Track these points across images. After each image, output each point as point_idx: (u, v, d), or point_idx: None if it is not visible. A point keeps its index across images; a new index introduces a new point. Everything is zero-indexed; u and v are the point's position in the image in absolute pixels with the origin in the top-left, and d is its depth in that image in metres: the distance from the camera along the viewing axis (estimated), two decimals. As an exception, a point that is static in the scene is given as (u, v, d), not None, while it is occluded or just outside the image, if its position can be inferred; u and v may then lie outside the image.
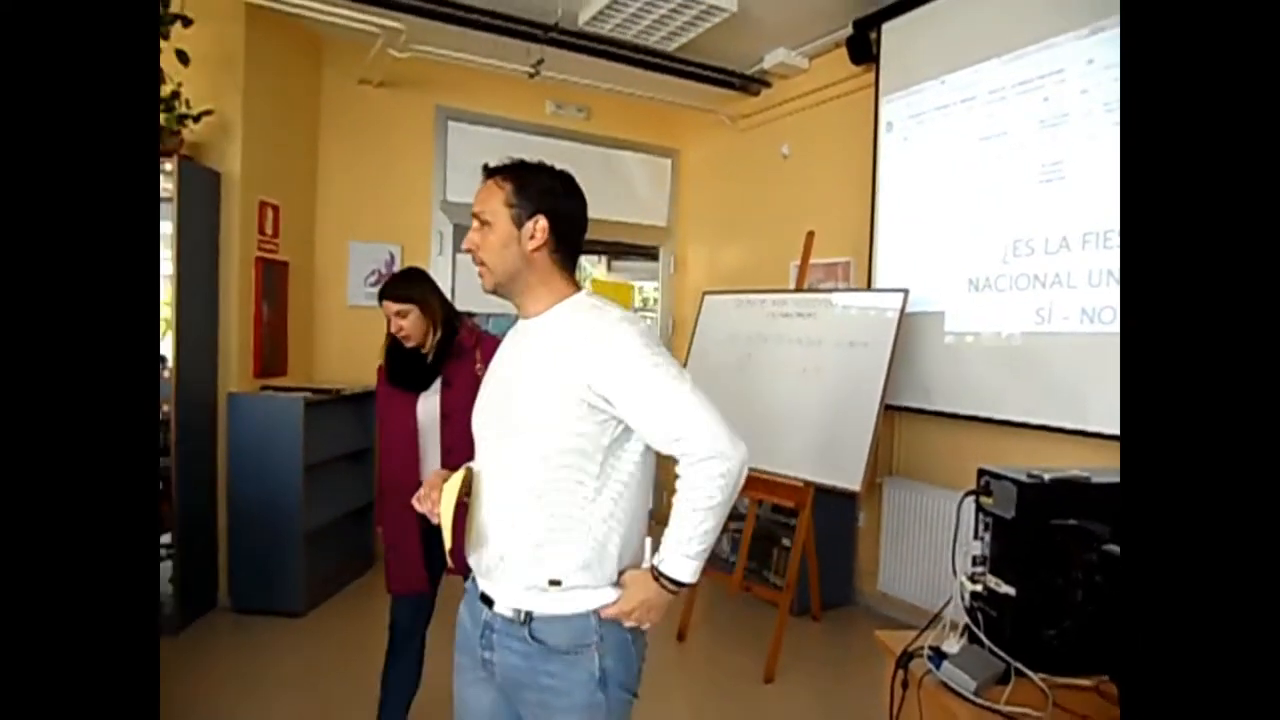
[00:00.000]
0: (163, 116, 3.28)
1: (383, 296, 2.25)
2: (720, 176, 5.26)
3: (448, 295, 2.42)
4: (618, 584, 1.33)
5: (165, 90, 3.25)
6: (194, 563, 3.52)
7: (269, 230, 3.87)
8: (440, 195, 4.68)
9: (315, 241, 4.34)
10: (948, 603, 1.61)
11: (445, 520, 1.32)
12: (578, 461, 1.29)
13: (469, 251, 1.37)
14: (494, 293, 1.37)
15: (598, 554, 1.30)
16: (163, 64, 3.19)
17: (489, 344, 2.19)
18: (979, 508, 1.58)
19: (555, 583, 1.29)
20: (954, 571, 1.61)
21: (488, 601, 1.37)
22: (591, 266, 10.87)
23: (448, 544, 1.33)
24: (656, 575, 1.30)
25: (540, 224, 1.33)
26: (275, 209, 3.91)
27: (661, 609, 1.33)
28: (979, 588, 1.54)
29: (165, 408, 3.30)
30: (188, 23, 3.23)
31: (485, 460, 1.39)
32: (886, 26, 3.78)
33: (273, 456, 3.53)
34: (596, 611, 1.30)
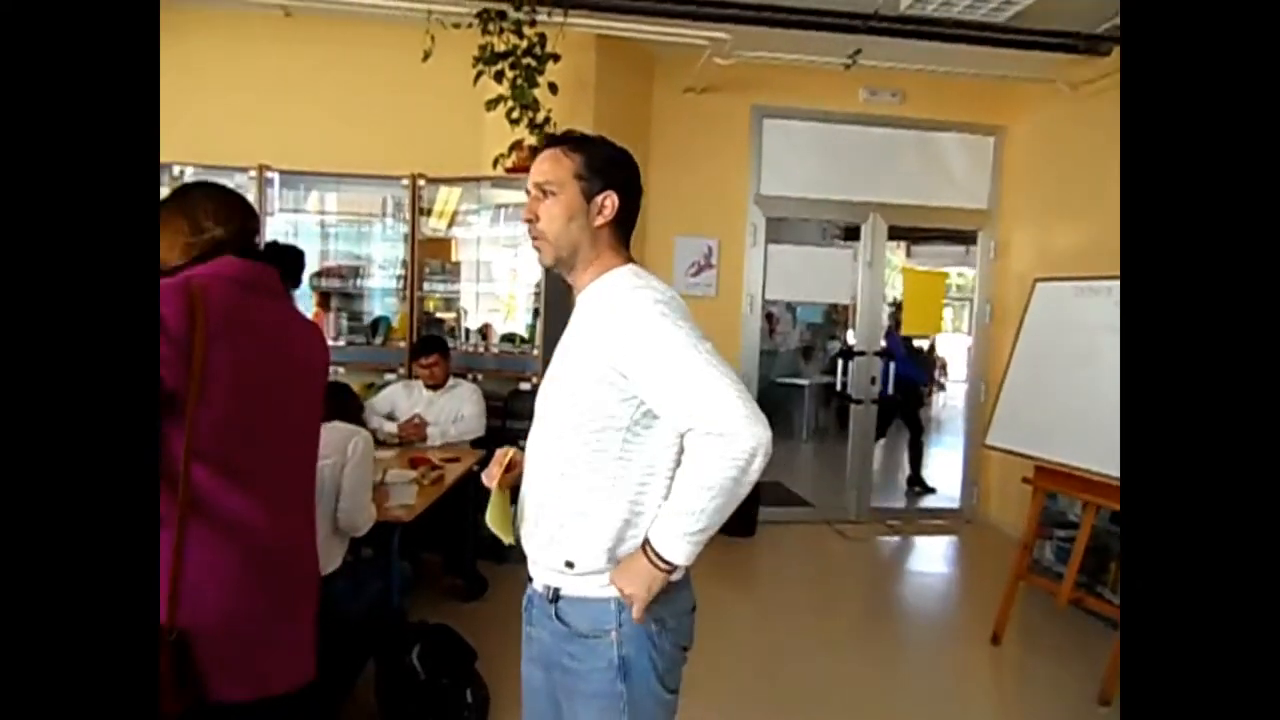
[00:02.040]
0: (535, 138, 3.96)
1: None
2: (1054, 151, 4.78)
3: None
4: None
5: (539, 117, 3.92)
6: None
7: (610, 230, 4.45)
8: (755, 189, 4.94)
9: (646, 237, 4.87)
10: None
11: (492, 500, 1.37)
12: (599, 442, 1.24)
13: (528, 222, 1.30)
14: (552, 267, 1.32)
15: (616, 540, 1.23)
16: (538, 95, 3.86)
17: (212, 306, 1.22)
18: None
19: (570, 564, 1.25)
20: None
21: (530, 577, 1.36)
22: (890, 253, 10.46)
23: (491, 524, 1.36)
24: (645, 546, 1.21)
25: (611, 199, 1.29)
26: (615, 211, 4.48)
27: (645, 583, 1.20)
28: None
29: (536, 381, 4.02)
30: (557, 59, 3.85)
31: (531, 438, 1.36)
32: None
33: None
34: (618, 601, 1.24)
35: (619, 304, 1.23)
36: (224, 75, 4.38)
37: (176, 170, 4.10)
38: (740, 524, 4.74)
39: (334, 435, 2.26)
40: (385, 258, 4.29)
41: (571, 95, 4.11)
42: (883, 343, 5.25)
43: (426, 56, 3.70)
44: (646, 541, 1.21)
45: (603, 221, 1.29)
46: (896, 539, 5.03)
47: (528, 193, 1.32)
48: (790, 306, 7.90)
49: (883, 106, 5.03)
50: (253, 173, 4.06)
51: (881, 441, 5.99)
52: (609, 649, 1.25)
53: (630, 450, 1.24)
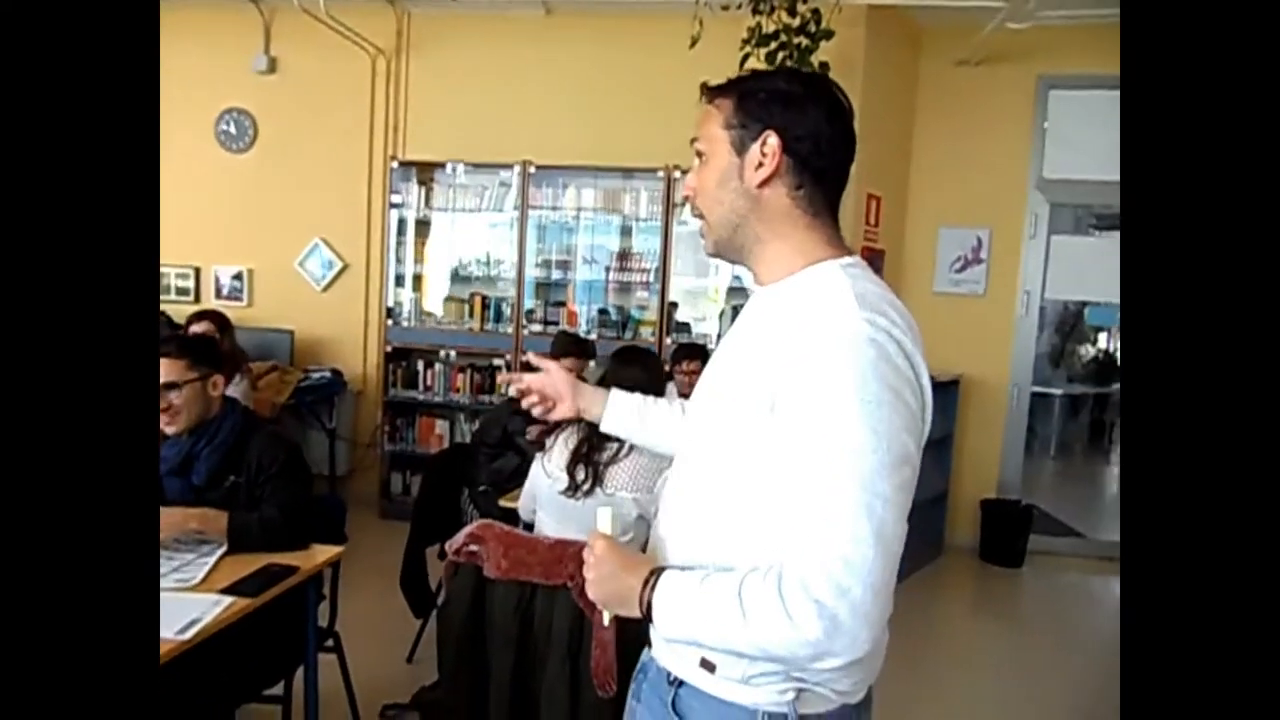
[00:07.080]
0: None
1: None
2: None
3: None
4: (798, 687, 0.90)
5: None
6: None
7: (872, 221, 4.10)
8: (1037, 173, 4.34)
9: (906, 229, 4.46)
10: None
11: None
12: (752, 498, 0.89)
13: (687, 199, 1.02)
14: (716, 255, 1.00)
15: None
16: (807, 77, 3.60)
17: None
18: None
19: (708, 666, 0.92)
20: None
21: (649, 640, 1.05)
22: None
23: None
24: (648, 585, 0.90)
25: (769, 143, 0.90)
26: (878, 200, 4.12)
27: (617, 600, 0.94)
28: None
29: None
30: (830, 36, 3.56)
31: (671, 481, 1.06)
32: None
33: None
34: (767, 714, 0.91)
35: (814, 331, 0.85)
36: (489, 76, 4.56)
37: (449, 169, 4.33)
38: (1005, 553, 4.22)
39: (643, 475, 2.07)
40: (640, 250, 4.25)
41: (838, 76, 3.79)
42: None
43: (694, 43, 3.56)
44: (652, 581, 0.90)
45: (764, 176, 0.92)
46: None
47: None
48: (1043, 308, 7.09)
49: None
50: (517, 169, 4.17)
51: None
52: None
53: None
